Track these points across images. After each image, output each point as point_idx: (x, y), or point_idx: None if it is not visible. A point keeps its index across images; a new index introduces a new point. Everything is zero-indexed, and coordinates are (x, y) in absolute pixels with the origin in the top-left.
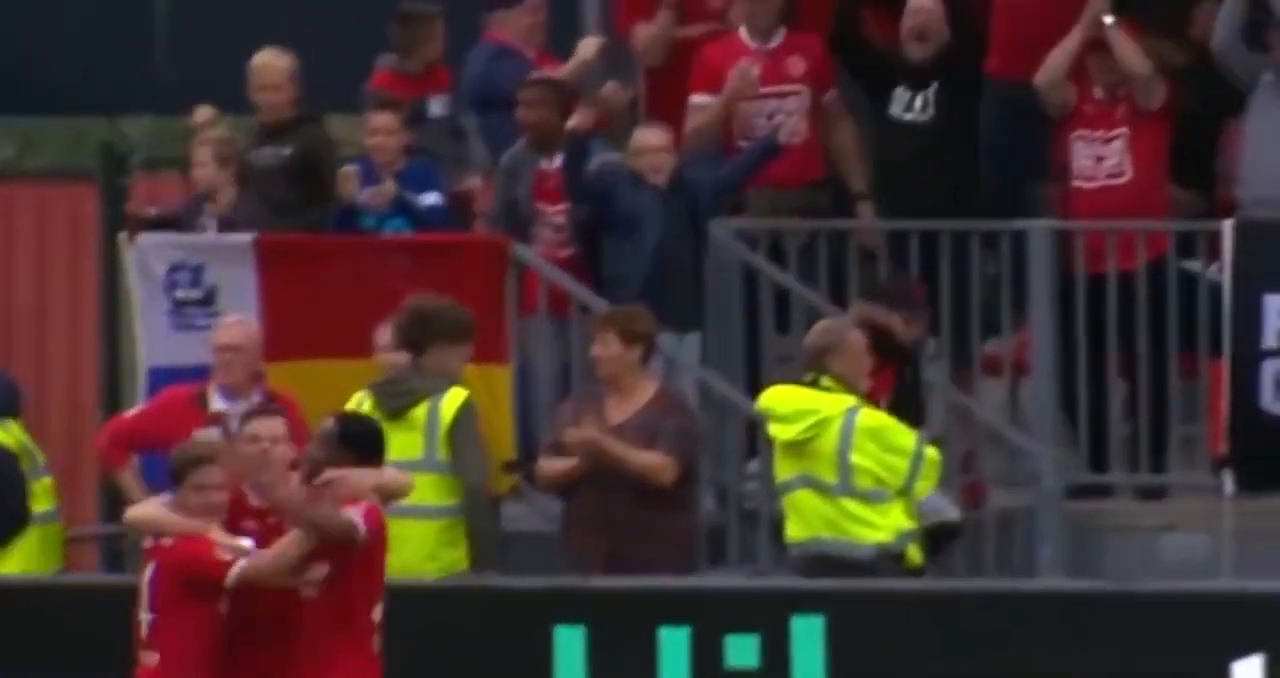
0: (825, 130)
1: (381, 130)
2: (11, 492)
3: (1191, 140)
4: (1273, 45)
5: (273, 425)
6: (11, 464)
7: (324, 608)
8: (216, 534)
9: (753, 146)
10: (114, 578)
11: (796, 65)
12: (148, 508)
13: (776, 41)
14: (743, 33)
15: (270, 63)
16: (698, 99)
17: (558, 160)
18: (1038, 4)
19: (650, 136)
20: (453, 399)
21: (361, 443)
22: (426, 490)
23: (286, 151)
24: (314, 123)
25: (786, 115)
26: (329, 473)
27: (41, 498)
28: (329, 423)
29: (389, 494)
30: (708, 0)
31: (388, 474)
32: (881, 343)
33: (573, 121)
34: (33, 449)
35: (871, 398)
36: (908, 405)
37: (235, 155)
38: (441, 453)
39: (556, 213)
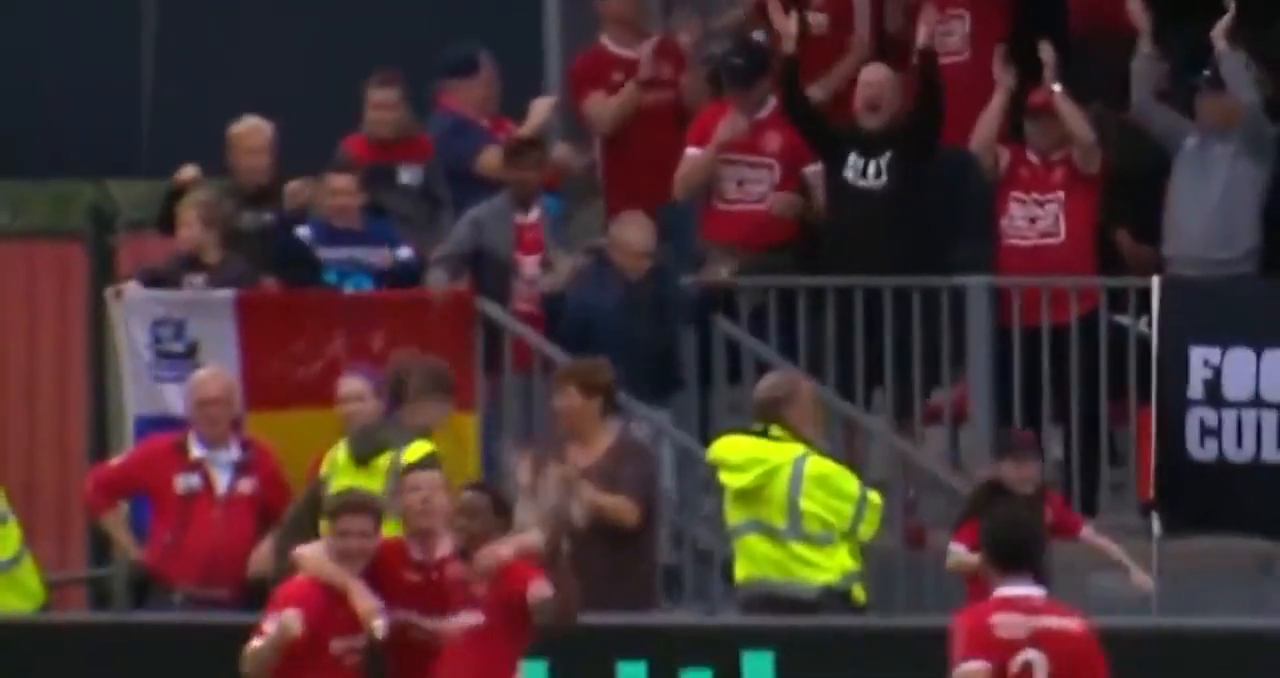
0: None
1: (341, 191)
2: None
3: (1146, 197)
4: (1199, 110)
5: (432, 477)
6: None
7: (473, 654)
8: (352, 591)
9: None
10: (99, 616)
11: (772, 140)
12: (311, 548)
13: (764, 113)
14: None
15: (251, 130)
16: (692, 151)
17: (533, 215)
18: (965, 74)
19: (632, 236)
20: (414, 451)
21: (509, 506)
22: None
23: (266, 217)
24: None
25: (754, 183)
26: (483, 556)
27: (2, 545)
28: (471, 496)
29: (531, 556)
30: (660, 68)
31: (525, 541)
32: (995, 493)
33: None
34: None
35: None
36: None
37: (219, 217)
38: None
39: (531, 265)
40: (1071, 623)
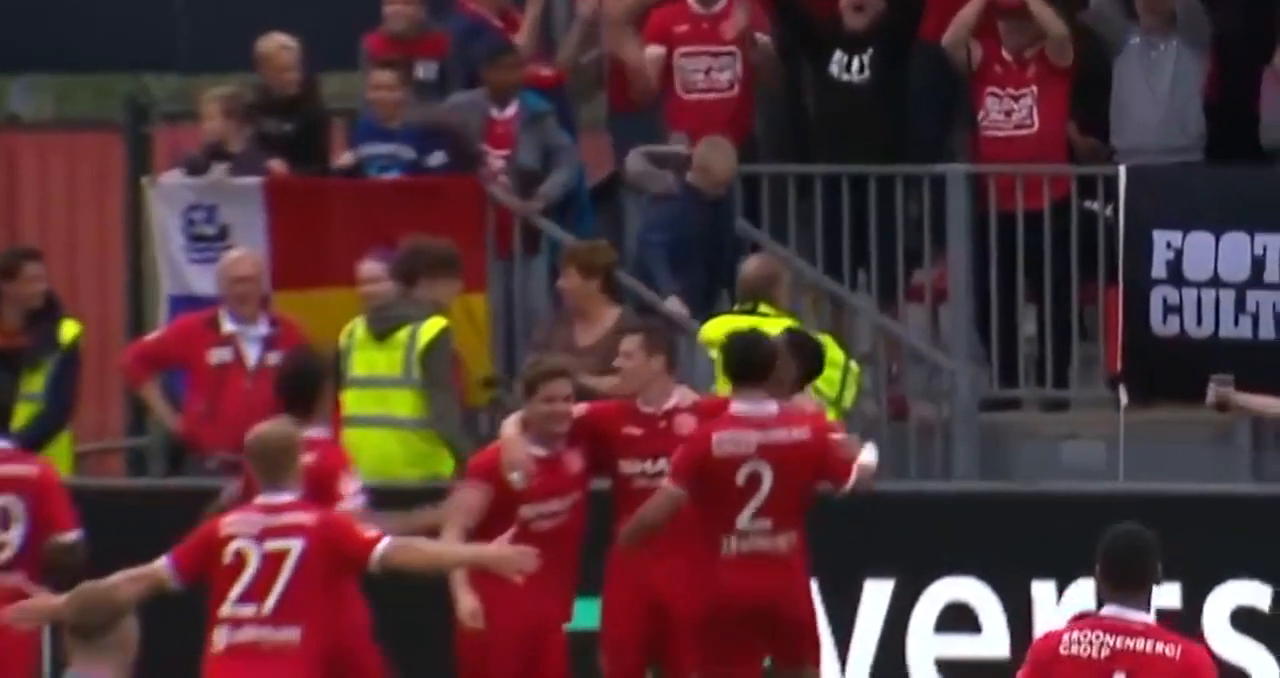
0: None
1: (383, 86)
2: (76, 384)
3: (1094, 93)
4: (1139, 12)
5: (629, 343)
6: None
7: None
8: (506, 447)
9: None
10: (136, 482)
11: (730, 29)
12: (513, 415)
13: (719, 5)
14: None
15: (280, 49)
16: (652, 51)
17: (509, 111)
18: None
19: (721, 162)
20: (430, 327)
21: (806, 353)
22: (402, 404)
23: (288, 127)
24: (313, 97)
25: (719, 71)
26: None
27: None
28: (782, 334)
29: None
30: None
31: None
32: None
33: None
34: None
35: None
36: None
37: (240, 109)
38: (416, 372)
39: (499, 158)
40: (800, 433)
